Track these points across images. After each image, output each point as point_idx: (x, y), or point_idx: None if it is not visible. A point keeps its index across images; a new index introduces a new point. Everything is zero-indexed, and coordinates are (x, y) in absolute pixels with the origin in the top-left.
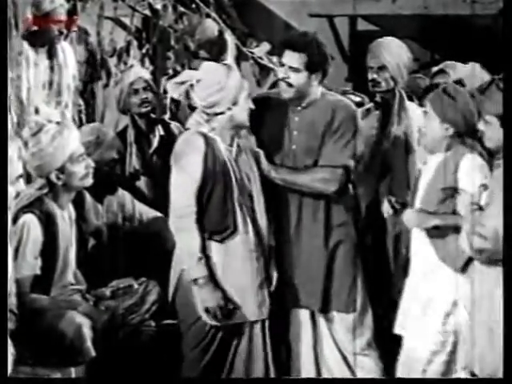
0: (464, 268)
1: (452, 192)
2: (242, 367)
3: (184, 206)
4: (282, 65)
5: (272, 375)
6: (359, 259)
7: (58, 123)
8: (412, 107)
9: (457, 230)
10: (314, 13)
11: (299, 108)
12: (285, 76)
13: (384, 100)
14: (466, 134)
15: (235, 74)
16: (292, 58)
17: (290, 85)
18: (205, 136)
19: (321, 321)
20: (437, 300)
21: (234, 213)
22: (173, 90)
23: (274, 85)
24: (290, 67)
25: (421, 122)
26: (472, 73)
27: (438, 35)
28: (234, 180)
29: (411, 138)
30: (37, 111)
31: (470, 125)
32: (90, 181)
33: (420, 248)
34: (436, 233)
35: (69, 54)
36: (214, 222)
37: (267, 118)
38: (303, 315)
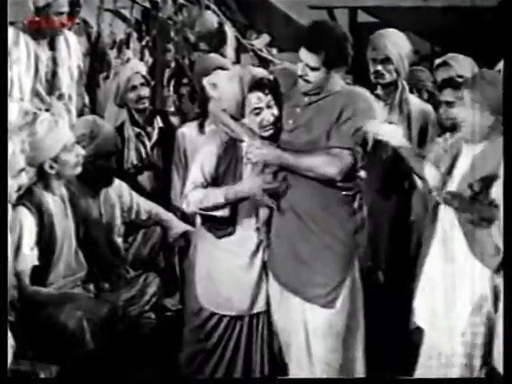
0: (499, 268)
1: (490, 182)
2: (241, 359)
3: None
4: (300, 60)
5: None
6: (355, 258)
7: (47, 110)
8: (413, 99)
9: (491, 223)
10: (313, 4)
11: (314, 98)
12: (302, 74)
13: (385, 92)
14: None
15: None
16: (308, 57)
17: (307, 81)
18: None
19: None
20: (466, 293)
21: (236, 215)
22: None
23: None
24: (307, 65)
25: (420, 119)
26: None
27: (438, 27)
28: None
29: (412, 129)
30: (42, 101)
31: None
32: (79, 169)
33: (447, 240)
34: (471, 228)
35: (73, 45)
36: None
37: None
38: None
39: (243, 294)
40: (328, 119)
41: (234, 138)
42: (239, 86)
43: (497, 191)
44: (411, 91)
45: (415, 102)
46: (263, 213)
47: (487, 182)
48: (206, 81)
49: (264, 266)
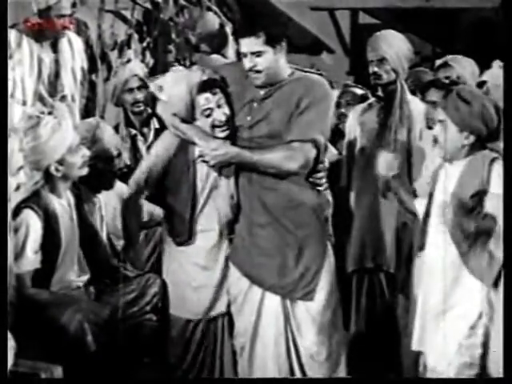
0: (496, 282)
1: (482, 196)
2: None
3: (136, 177)
4: (245, 55)
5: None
6: (329, 248)
7: (50, 113)
8: (414, 100)
9: (488, 236)
10: (314, 6)
11: (270, 89)
12: (251, 65)
13: (386, 93)
14: (488, 139)
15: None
16: (249, 44)
17: (258, 71)
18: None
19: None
20: (461, 312)
21: (194, 223)
22: None
23: None
24: (252, 53)
25: (422, 121)
26: (472, 69)
27: (438, 28)
28: (198, 187)
29: (413, 131)
30: (44, 104)
31: (491, 129)
32: (86, 169)
33: (440, 256)
34: (467, 243)
35: (76, 46)
36: (175, 225)
37: (232, 83)
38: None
39: (204, 297)
40: (287, 110)
41: (186, 141)
42: (186, 89)
43: (490, 204)
44: (413, 93)
45: (416, 103)
46: (225, 214)
47: (479, 195)
48: (152, 85)
49: (226, 266)
